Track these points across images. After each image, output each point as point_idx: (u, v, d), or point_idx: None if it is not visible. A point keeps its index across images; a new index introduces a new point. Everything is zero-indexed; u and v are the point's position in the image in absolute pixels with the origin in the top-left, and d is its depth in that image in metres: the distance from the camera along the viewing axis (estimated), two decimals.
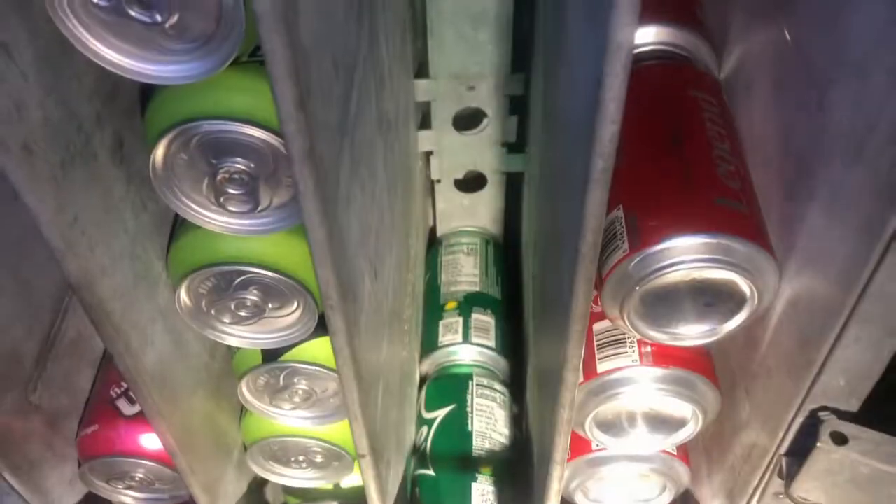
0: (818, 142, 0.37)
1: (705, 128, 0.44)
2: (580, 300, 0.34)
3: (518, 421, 0.71)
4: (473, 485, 0.63)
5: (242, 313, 0.43)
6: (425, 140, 0.76)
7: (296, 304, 0.43)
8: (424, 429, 0.69)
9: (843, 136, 0.35)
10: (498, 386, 0.72)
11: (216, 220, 0.38)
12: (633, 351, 0.44)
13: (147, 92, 0.37)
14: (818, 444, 0.37)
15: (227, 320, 0.43)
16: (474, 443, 0.66)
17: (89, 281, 0.35)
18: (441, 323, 0.77)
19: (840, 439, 0.37)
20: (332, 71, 0.33)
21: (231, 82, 0.34)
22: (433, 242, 0.87)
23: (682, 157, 0.42)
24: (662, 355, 0.44)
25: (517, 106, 0.74)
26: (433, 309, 0.79)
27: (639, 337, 0.44)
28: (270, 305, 0.43)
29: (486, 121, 0.75)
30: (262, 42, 0.26)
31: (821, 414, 0.39)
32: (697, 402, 0.45)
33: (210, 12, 0.30)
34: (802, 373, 0.38)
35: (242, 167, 0.36)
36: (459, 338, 0.75)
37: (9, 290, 0.48)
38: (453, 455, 0.66)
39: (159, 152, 0.35)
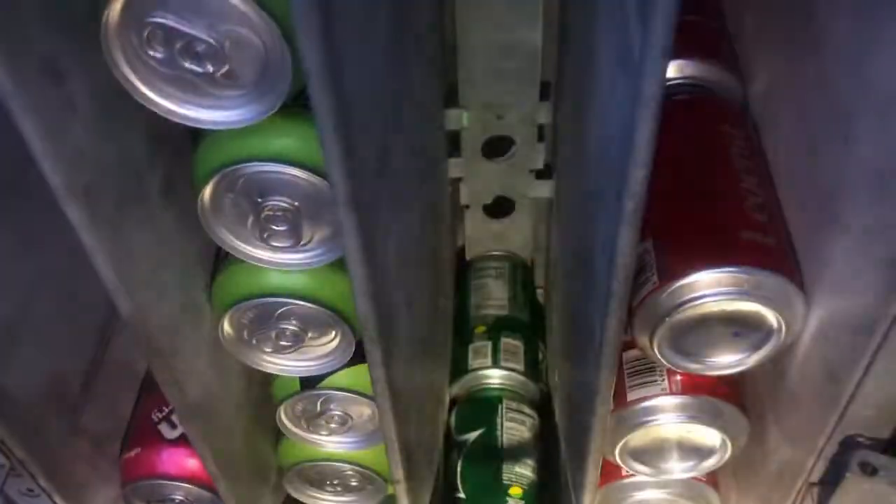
0: (844, 175, 0.38)
1: (732, 161, 0.45)
2: (611, 335, 0.35)
3: (548, 444, 0.72)
4: None
5: (283, 343, 0.44)
6: (454, 167, 0.78)
7: (334, 334, 0.44)
8: (455, 452, 0.70)
9: (870, 170, 0.36)
10: (527, 409, 0.73)
11: (260, 256, 0.40)
12: (663, 380, 0.45)
13: (195, 133, 0.39)
14: (847, 475, 0.38)
15: (267, 349, 0.45)
16: (505, 465, 0.67)
17: (142, 315, 0.37)
18: (470, 346, 0.78)
19: (870, 469, 0.37)
20: (371, 114, 0.35)
21: (276, 126, 0.35)
22: (462, 267, 0.89)
23: (709, 191, 0.43)
24: (692, 384, 0.45)
25: (545, 133, 0.75)
26: (462, 333, 0.80)
27: (668, 366, 0.44)
28: (310, 335, 0.44)
29: (514, 148, 0.76)
30: (311, 97, 0.27)
31: (851, 442, 0.39)
32: (727, 430, 0.46)
33: (258, 62, 0.32)
34: (831, 403, 0.39)
35: (286, 205, 0.37)
36: (489, 361, 0.76)
37: (57, 318, 0.50)
38: (484, 478, 0.67)
39: (207, 193, 0.37)
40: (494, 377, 0.75)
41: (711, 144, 0.45)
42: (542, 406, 0.75)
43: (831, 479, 0.40)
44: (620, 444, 0.47)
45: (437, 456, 0.68)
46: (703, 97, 0.49)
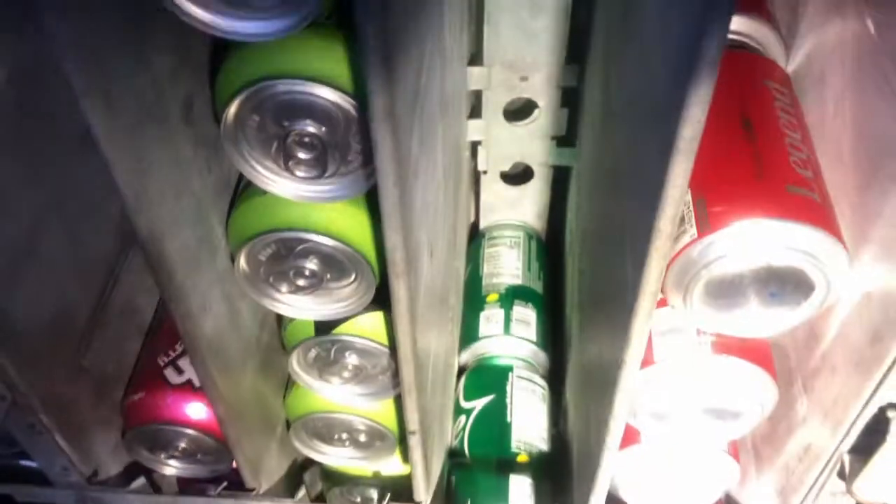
0: None
1: (777, 116, 0.43)
2: (653, 277, 0.33)
3: (556, 415, 0.71)
4: (511, 475, 0.63)
5: (300, 283, 0.42)
6: (474, 129, 0.76)
7: (353, 276, 0.43)
8: (462, 418, 0.69)
9: None
10: (538, 379, 0.72)
11: (282, 185, 0.38)
12: (692, 338, 0.44)
13: (218, 54, 0.37)
14: (888, 439, 0.36)
15: (284, 289, 0.43)
16: (513, 434, 0.66)
17: (157, 236, 0.35)
18: (482, 314, 0.76)
19: None
20: (411, 35, 0.33)
21: (308, 43, 0.34)
22: (476, 235, 0.87)
23: (754, 144, 0.41)
24: (722, 345, 0.43)
25: (569, 99, 0.73)
26: (474, 300, 0.78)
27: (700, 325, 0.43)
28: (328, 276, 0.42)
29: (537, 112, 0.74)
30: None
31: (889, 410, 0.38)
32: (755, 395, 0.44)
33: None
34: (872, 367, 0.37)
35: (313, 130, 0.35)
36: (500, 330, 0.74)
37: (65, 250, 0.48)
38: (491, 446, 0.66)
39: (232, 112, 0.35)
40: (505, 345, 0.73)
41: (756, 98, 0.44)
42: (552, 377, 0.74)
43: (866, 448, 0.39)
44: (644, 405, 0.45)
45: (447, 422, 0.67)
46: (747, 53, 0.47)
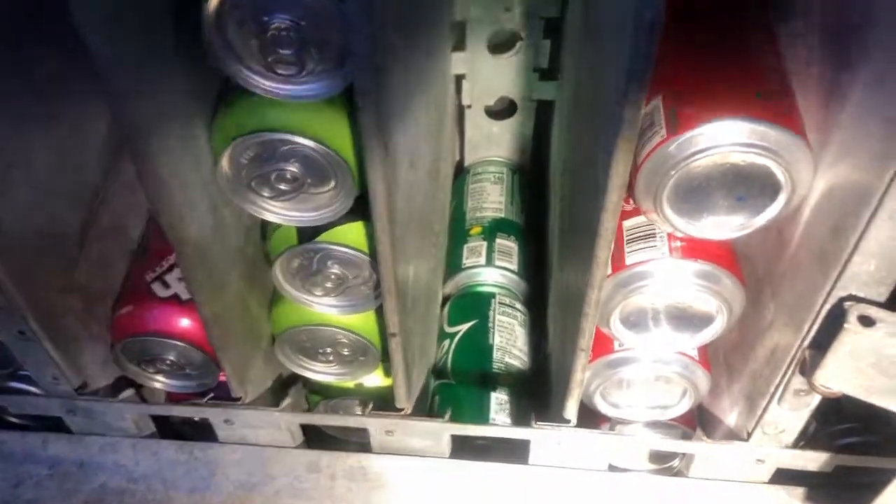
0: (865, 20, 0.37)
1: (749, 28, 0.44)
2: (620, 167, 0.34)
3: (535, 341, 0.72)
4: (492, 394, 0.65)
5: (282, 186, 0.43)
6: (459, 62, 0.77)
7: (333, 182, 0.44)
8: (446, 342, 0.70)
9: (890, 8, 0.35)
10: (519, 306, 0.73)
11: (263, 84, 0.39)
12: (663, 244, 0.45)
13: None
14: (845, 326, 0.38)
15: (266, 194, 0.44)
16: (494, 356, 0.68)
17: (142, 130, 0.36)
18: (465, 246, 0.78)
19: (867, 322, 0.37)
20: None
21: None
22: (460, 172, 0.88)
23: (725, 51, 0.42)
24: (692, 249, 0.45)
25: (551, 31, 0.74)
26: (458, 233, 0.80)
27: (670, 230, 0.44)
28: (309, 180, 0.43)
29: (520, 44, 0.75)
30: None
31: (847, 302, 0.39)
32: (723, 298, 0.46)
33: None
34: (832, 259, 0.39)
35: (292, 24, 0.36)
36: (483, 260, 0.76)
37: (53, 165, 0.49)
38: (473, 366, 0.67)
39: (213, 4, 0.36)
40: (488, 275, 0.75)
41: (732, 13, 0.45)
42: (533, 306, 0.75)
43: (826, 341, 0.40)
44: (616, 310, 0.47)
45: (429, 347, 0.69)
46: None
